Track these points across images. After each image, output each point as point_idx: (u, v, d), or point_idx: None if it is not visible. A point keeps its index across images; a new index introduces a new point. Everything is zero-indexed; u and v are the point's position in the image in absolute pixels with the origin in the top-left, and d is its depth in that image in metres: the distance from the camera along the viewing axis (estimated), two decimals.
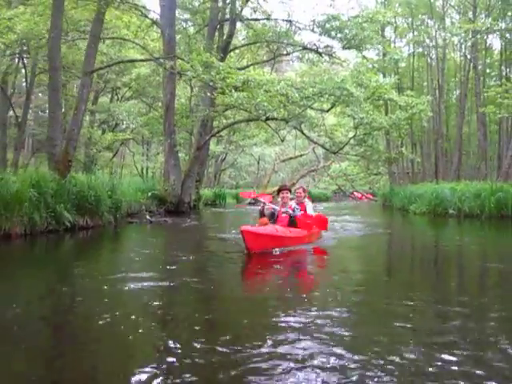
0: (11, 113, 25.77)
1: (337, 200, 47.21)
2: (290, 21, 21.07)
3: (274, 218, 9.45)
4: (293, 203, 9.67)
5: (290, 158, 42.58)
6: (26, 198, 10.05)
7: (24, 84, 28.79)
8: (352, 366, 3.15)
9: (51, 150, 12.56)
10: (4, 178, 9.99)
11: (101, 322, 4.08)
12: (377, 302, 5.14)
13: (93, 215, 12.49)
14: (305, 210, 9.70)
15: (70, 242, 10.65)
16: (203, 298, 5.40)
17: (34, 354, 3.48)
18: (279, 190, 9.83)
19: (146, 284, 5.70)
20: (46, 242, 10.09)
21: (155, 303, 4.98)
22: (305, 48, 21.04)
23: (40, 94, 36.07)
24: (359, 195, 49.43)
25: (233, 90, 12.58)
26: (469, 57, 30.41)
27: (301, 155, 43.01)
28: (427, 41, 34.52)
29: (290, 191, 10.12)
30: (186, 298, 5.38)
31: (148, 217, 15.36)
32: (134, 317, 4.32)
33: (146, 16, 21.67)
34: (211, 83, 12.50)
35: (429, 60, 35.11)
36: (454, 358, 3.28)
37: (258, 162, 47.49)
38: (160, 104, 31.85)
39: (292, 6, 74.70)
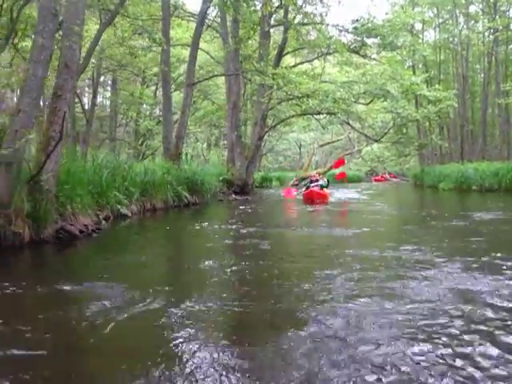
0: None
1: (368, 181, 50.12)
2: (335, 25, 24.53)
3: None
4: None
5: (328, 143, 46.03)
6: (164, 182, 14.10)
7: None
8: None
9: (166, 146, 16.64)
10: (153, 168, 14.02)
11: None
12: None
13: (198, 194, 16.51)
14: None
15: (192, 212, 14.61)
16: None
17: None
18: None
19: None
20: (177, 212, 14.06)
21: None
22: (348, 51, 24.48)
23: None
24: (380, 176, 51.78)
25: (309, 100, 16.51)
26: (490, 46, 33.49)
27: (337, 140, 46.59)
28: (451, 28, 37.66)
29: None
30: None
31: (233, 195, 19.40)
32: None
33: (210, 26, 25.43)
34: (289, 93, 16.43)
35: (452, 46, 37.99)
36: None
37: (300, 147, 51.21)
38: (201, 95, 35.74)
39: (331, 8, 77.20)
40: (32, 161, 7.55)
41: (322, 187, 17.55)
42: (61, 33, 8.45)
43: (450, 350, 3.09)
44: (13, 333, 3.53)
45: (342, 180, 27.25)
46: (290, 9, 23.66)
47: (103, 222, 9.15)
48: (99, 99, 42.33)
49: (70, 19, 7.71)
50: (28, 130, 6.68)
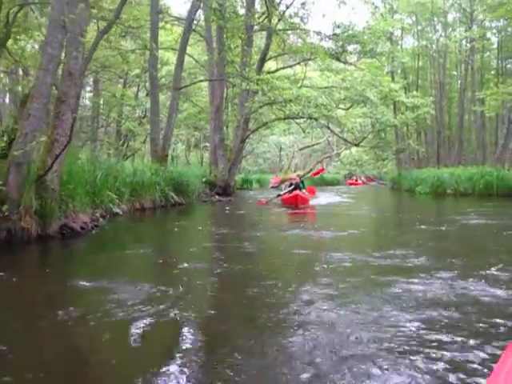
0: None
1: (346, 184, 51.07)
2: (317, 32, 25.16)
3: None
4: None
5: (308, 146, 46.70)
6: (152, 183, 14.62)
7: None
8: None
9: (154, 148, 17.16)
10: (142, 169, 14.53)
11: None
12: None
13: (184, 195, 17.04)
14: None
15: (179, 212, 15.17)
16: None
17: None
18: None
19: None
20: (164, 212, 14.58)
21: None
22: (329, 57, 25.11)
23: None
24: (354, 180, 53.08)
25: (292, 105, 17.20)
26: (466, 55, 34.57)
27: (317, 143, 47.26)
28: (429, 35, 38.78)
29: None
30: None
31: (217, 196, 19.97)
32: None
33: (195, 30, 25.92)
34: (273, 98, 17.10)
35: (430, 53, 39.00)
36: None
37: (280, 150, 51.97)
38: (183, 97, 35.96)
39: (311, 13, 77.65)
40: (36, 161, 8.05)
41: (300, 188, 17.58)
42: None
43: (445, 364, 2.98)
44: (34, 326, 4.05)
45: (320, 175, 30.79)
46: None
47: (100, 219, 9.68)
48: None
49: (74, 29, 8.20)
50: (38, 133, 7.20)
